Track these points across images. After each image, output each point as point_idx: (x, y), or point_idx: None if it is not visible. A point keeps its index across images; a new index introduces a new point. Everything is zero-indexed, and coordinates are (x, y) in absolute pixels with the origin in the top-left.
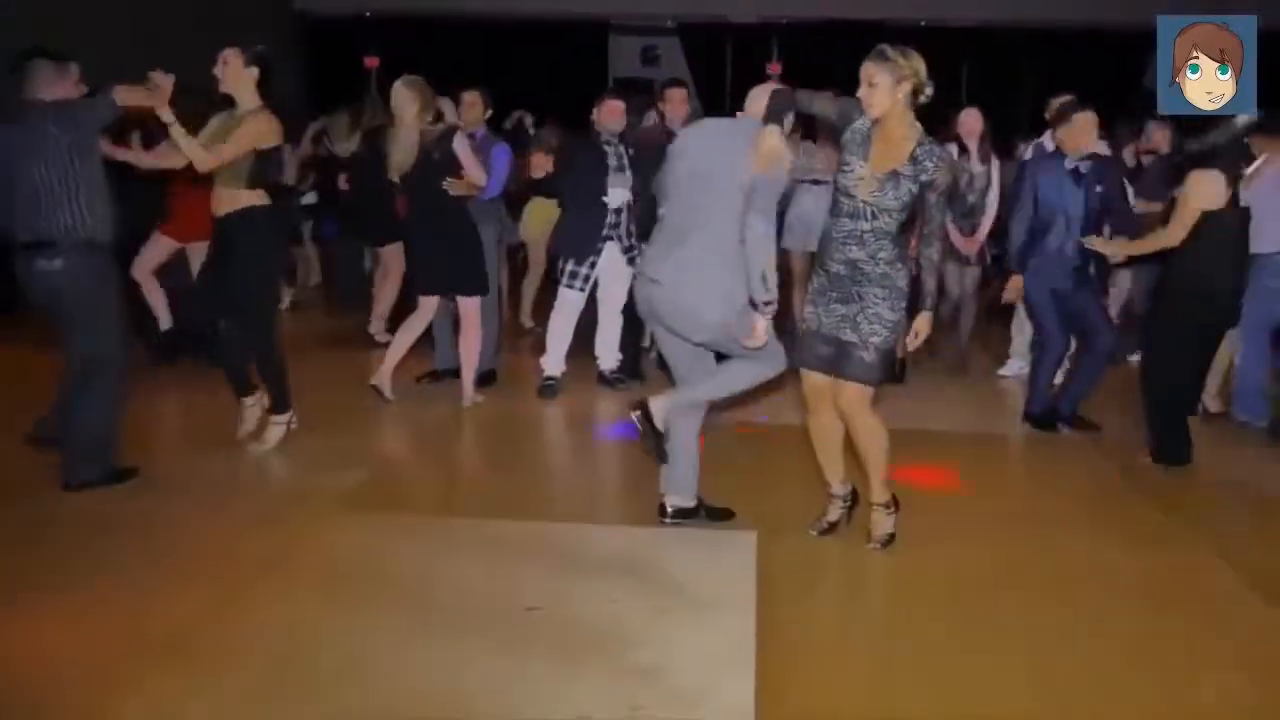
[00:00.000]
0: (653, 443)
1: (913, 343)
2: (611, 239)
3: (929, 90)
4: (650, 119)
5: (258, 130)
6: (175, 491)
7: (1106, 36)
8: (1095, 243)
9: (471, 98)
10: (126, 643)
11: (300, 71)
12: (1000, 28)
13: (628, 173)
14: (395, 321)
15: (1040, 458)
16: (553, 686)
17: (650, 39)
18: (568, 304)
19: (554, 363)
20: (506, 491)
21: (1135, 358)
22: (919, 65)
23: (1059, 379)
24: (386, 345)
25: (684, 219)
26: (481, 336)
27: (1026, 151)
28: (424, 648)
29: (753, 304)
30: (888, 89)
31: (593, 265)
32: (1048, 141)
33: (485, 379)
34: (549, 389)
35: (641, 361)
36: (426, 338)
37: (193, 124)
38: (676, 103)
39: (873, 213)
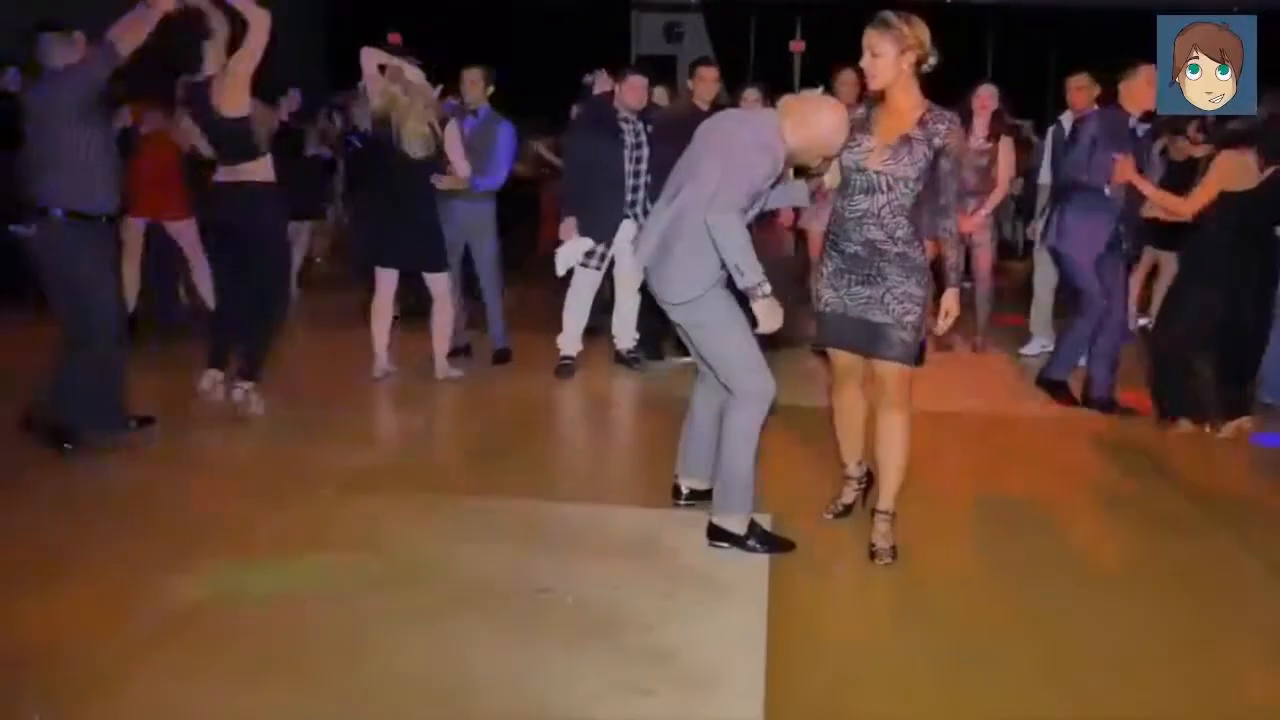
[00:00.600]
0: (766, 545)
1: (944, 323)
2: (628, 217)
3: (933, 60)
4: (658, 96)
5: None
6: (179, 469)
7: (1137, 14)
8: (1122, 165)
9: (472, 75)
10: (124, 621)
11: (323, 47)
12: (1025, 5)
13: (645, 150)
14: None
15: (1063, 442)
16: (560, 669)
17: (674, 15)
18: (584, 283)
19: (570, 342)
20: (518, 471)
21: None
22: (923, 34)
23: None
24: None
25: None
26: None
27: (1047, 137)
28: (429, 629)
29: (746, 294)
30: (891, 59)
31: (609, 244)
32: (1066, 120)
33: (458, 352)
34: (566, 368)
35: (663, 344)
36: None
37: None
38: (708, 81)
39: (888, 183)
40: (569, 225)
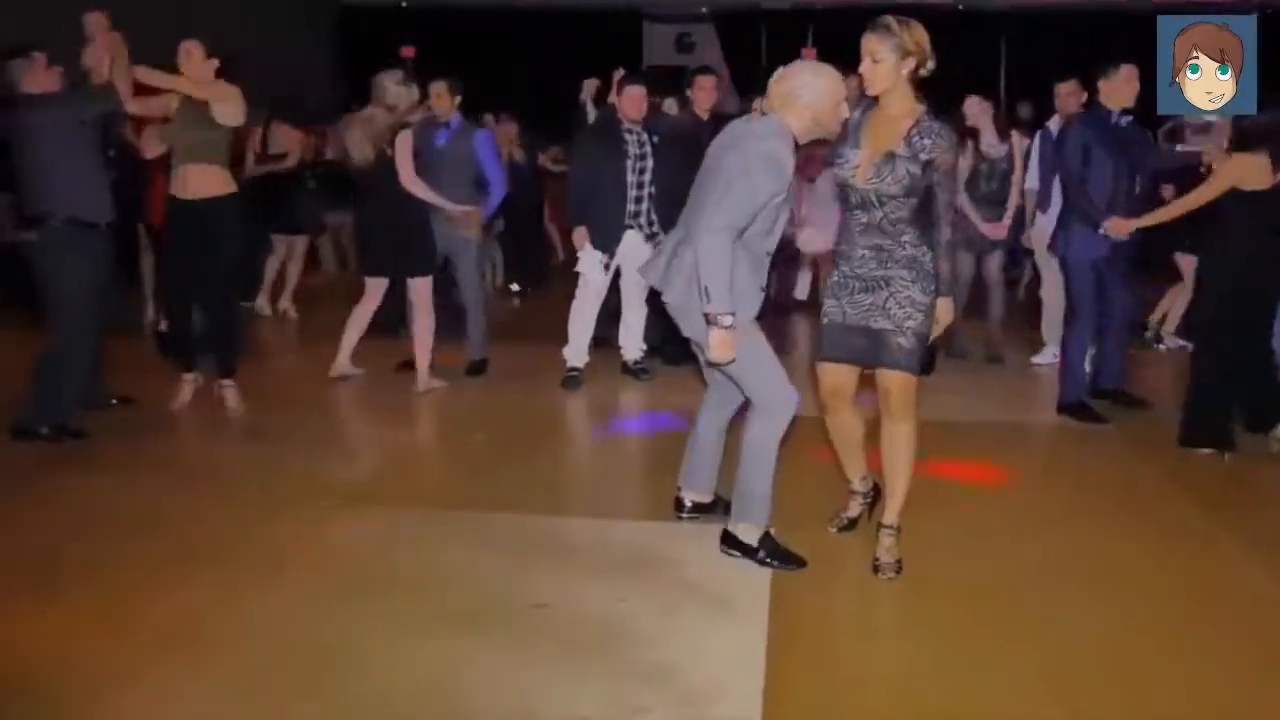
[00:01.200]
0: (777, 560)
1: (935, 330)
2: (632, 227)
3: (931, 64)
4: (669, 106)
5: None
6: (184, 480)
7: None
8: (1114, 225)
9: (438, 88)
10: (128, 632)
11: (336, 60)
12: (1038, 11)
13: (649, 160)
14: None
15: (1073, 450)
16: (555, 686)
17: (685, 26)
18: (588, 294)
19: (577, 353)
20: (521, 485)
21: (1171, 343)
22: (923, 39)
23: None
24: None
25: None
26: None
27: (1034, 141)
28: (427, 643)
29: (706, 318)
30: (891, 66)
31: (612, 254)
32: (1054, 125)
33: (478, 368)
34: (572, 380)
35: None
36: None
37: None
38: (707, 90)
39: (877, 199)
40: (580, 235)
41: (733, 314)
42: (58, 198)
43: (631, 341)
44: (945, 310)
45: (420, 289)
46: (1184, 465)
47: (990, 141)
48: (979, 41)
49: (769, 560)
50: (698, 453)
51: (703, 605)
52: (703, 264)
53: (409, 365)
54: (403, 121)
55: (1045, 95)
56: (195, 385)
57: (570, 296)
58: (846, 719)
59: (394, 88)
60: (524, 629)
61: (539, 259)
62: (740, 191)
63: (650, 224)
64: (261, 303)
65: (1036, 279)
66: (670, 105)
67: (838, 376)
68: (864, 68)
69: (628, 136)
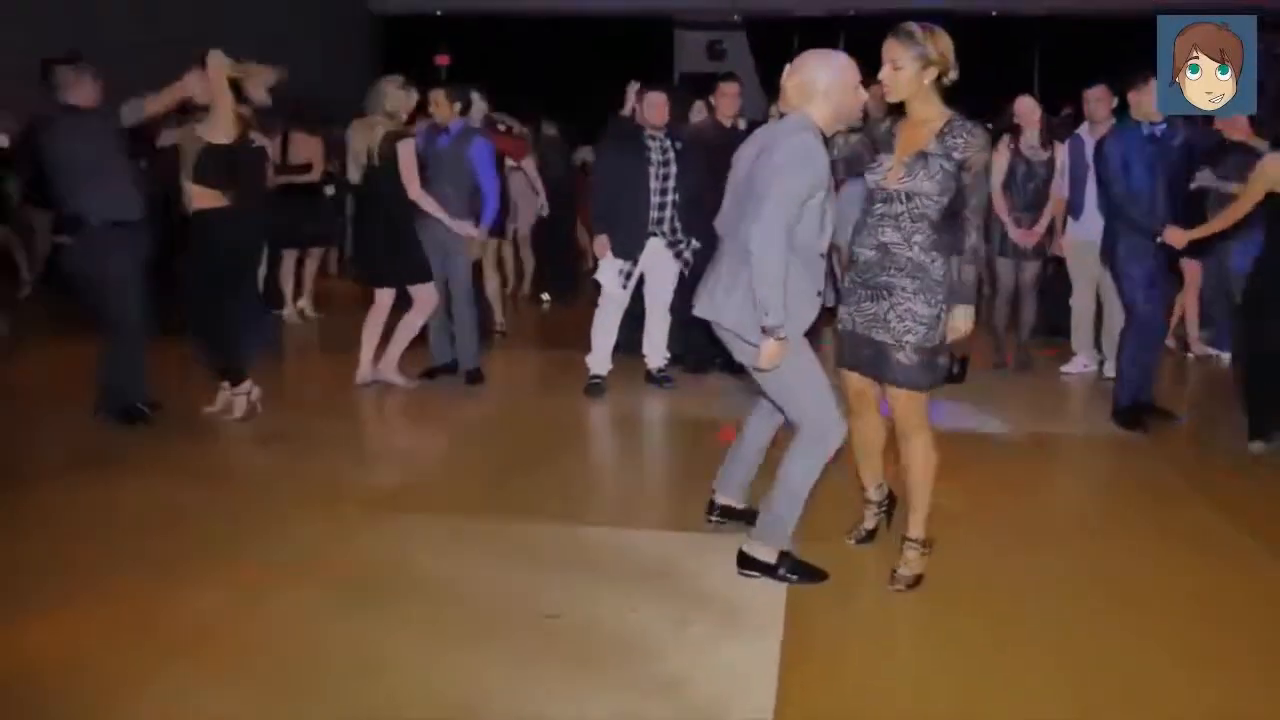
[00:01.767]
0: (798, 574)
1: (951, 338)
2: (654, 235)
3: (954, 74)
4: (696, 111)
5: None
6: (207, 485)
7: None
8: (1171, 235)
9: (437, 96)
10: (144, 634)
11: (373, 69)
12: (1071, 17)
13: (673, 166)
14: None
15: (1100, 460)
16: (565, 698)
17: (716, 33)
18: (611, 301)
19: (600, 361)
20: (540, 493)
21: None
22: (947, 47)
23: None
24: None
25: (725, 227)
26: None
27: (1065, 148)
28: (440, 652)
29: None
30: (912, 74)
31: (635, 262)
32: (1084, 133)
33: (473, 376)
34: (595, 388)
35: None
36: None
37: None
38: (730, 97)
39: (906, 195)
40: (601, 244)
41: (784, 329)
42: (94, 204)
43: (655, 350)
44: (964, 319)
45: (421, 295)
46: (1212, 478)
47: (1031, 143)
48: (1013, 47)
49: (790, 576)
50: (737, 460)
51: (717, 617)
52: (756, 273)
53: (433, 373)
54: (403, 131)
55: (1078, 101)
56: (251, 396)
57: (583, 305)
58: None
59: (394, 92)
60: (536, 639)
61: (569, 267)
62: (779, 193)
63: (674, 231)
64: (290, 311)
65: (1057, 285)
66: (699, 109)
67: (860, 381)
68: (884, 74)
69: (650, 143)
